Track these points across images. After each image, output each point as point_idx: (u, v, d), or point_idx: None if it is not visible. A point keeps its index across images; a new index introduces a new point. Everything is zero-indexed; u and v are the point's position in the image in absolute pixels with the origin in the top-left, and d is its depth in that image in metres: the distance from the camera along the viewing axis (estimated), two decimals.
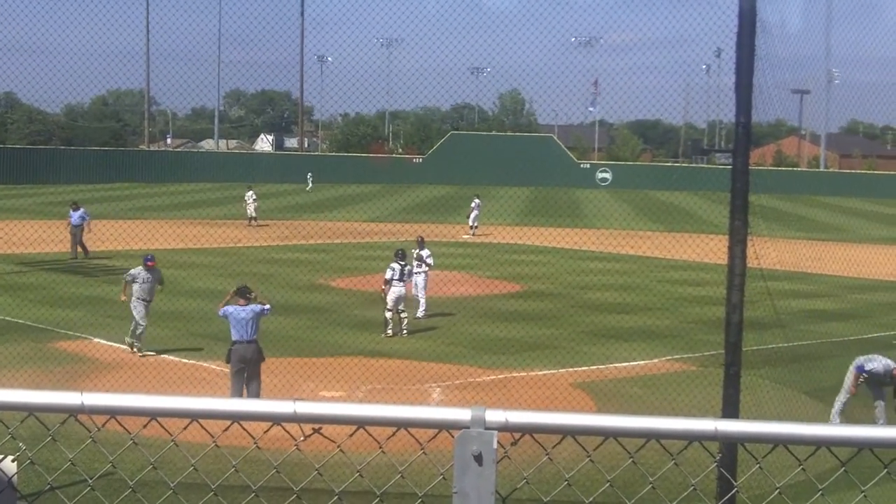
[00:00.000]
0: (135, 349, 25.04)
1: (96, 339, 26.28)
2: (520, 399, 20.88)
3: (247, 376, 20.01)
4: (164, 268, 39.27)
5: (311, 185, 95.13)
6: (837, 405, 20.26)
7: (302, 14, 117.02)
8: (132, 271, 26.10)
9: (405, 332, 27.91)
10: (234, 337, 20.13)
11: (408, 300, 29.08)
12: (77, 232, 43.15)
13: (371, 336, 27.44)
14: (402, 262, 28.56)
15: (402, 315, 28.18)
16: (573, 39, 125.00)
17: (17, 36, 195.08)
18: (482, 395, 21.41)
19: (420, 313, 30.40)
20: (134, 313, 25.14)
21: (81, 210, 43.58)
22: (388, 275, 28.14)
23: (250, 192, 60.48)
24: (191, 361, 24.13)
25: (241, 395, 19.35)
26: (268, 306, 20.82)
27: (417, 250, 31.34)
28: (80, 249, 43.15)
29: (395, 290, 27.98)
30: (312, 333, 25.93)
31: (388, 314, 27.95)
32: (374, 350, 25.57)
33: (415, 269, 30.32)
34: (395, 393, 21.43)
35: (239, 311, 20.22)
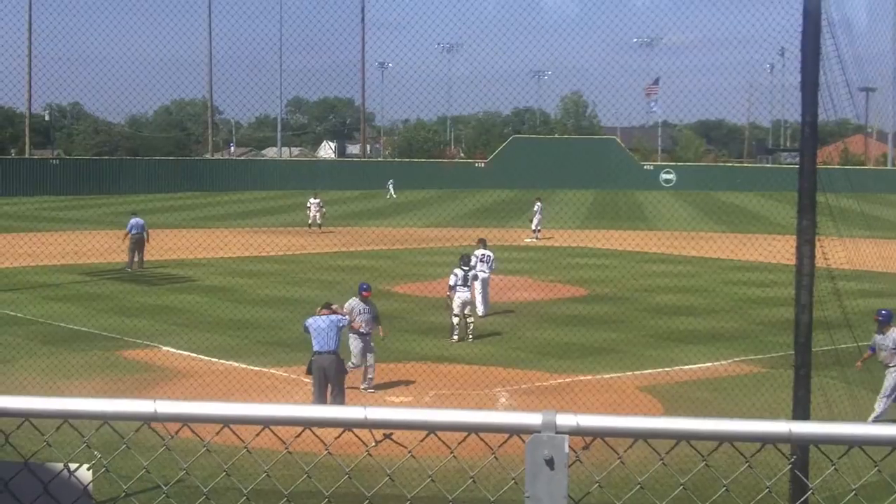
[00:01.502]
0: (363, 387, 22.48)
1: (164, 348, 26.50)
2: (586, 403, 20.80)
3: (329, 388, 19.98)
4: (231, 276, 39.78)
5: (392, 192, 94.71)
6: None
7: (363, 20, 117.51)
8: (349, 304, 22.70)
9: (471, 337, 27.92)
10: (315, 347, 20.09)
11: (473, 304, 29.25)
12: (136, 241, 43.18)
13: (436, 341, 27.46)
14: (466, 268, 28.60)
15: (469, 320, 28.21)
16: (634, 40, 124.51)
17: (82, 47, 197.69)
18: (548, 400, 21.37)
19: (480, 311, 30.60)
20: (351, 348, 22.43)
21: (138, 219, 43.65)
22: (452, 280, 28.25)
23: (315, 199, 60.75)
24: (257, 368, 24.26)
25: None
26: (346, 317, 20.84)
27: (480, 250, 31.69)
28: (136, 260, 42.85)
29: (461, 296, 28.06)
30: (377, 339, 25.99)
31: (455, 319, 27.99)
32: (439, 355, 25.57)
33: (477, 269, 30.52)
34: (462, 398, 21.44)
35: (319, 321, 20.22)
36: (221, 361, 25.00)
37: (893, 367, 20.40)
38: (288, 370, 23.78)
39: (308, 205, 61.19)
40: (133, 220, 43.20)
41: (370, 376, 22.37)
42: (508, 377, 23.74)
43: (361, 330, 22.28)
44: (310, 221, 60.11)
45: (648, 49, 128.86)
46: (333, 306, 20.74)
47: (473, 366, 24.38)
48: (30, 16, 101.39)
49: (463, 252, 30.78)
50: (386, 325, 23.63)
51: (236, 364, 24.66)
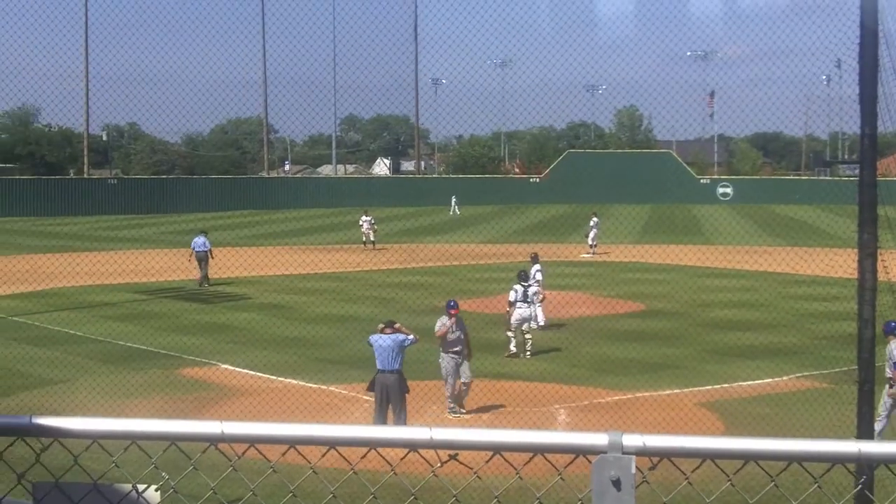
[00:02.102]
0: (452, 412, 21.94)
1: (223, 365, 26.65)
2: (646, 420, 20.67)
3: (391, 407, 19.87)
4: (286, 294, 39.98)
5: (455, 209, 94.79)
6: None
7: (416, 37, 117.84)
8: (440, 321, 22.13)
9: (528, 353, 27.82)
10: (378, 366, 19.96)
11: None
12: (200, 259, 43.76)
13: (493, 358, 27.39)
14: (525, 284, 28.58)
15: (527, 336, 28.15)
16: (689, 53, 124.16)
17: (139, 68, 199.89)
18: (607, 417, 21.25)
19: (535, 325, 30.59)
20: (441, 367, 21.97)
21: (201, 237, 44.20)
22: (512, 297, 28.19)
23: (367, 217, 60.92)
24: (314, 385, 24.32)
25: (382, 425, 18.91)
26: (411, 336, 20.43)
27: (532, 266, 31.97)
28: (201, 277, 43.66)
29: (519, 312, 27.99)
30: (435, 356, 25.98)
31: (510, 334, 27.97)
32: (497, 372, 25.51)
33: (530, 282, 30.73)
34: (521, 416, 21.36)
35: (381, 340, 20.07)
36: (279, 379, 25.07)
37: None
38: (345, 387, 23.85)
39: (360, 222, 61.38)
40: (196, 238, 43.86)
41: (457, 395, 21.79)
42: (567, 394, 23.64)
43: (452, 350, 21.65)
44: (364, 239, 60.28)
45: (703, 62, 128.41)
46: (396, 325, 20.56)
47: (531, 382, 24.28)
48: (86, 37, 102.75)
49: (520, 268, 30.79)
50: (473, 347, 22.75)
51: (294, 381, 24.72)
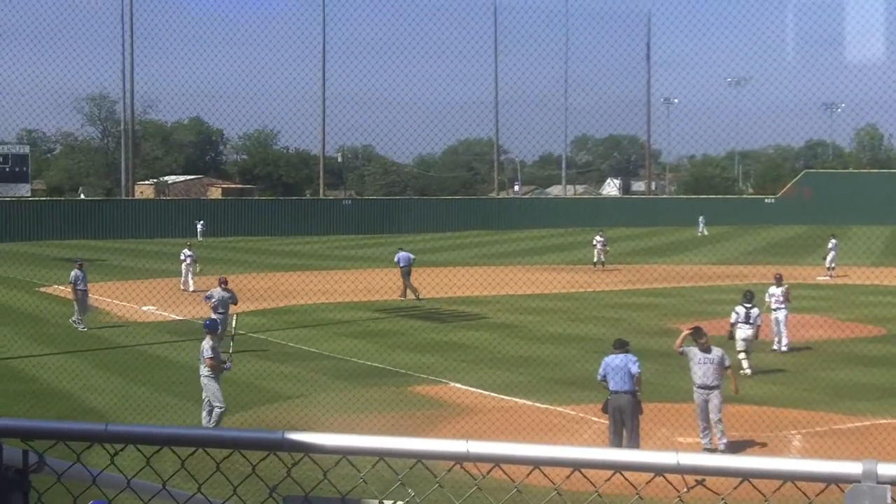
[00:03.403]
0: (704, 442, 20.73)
1: (453, 384, 26.92)
2: (887, 448, 19.92)
3: (625, 428, 19.62)
4: (517, 313, 40.18)
5: (703, 229, 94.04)
6: None
7: (648, 57, 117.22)
8: (690, 351, 20.88)
9: (749, 370, 27.47)
10: (610, 386, 19.64)
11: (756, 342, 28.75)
12: (404, 273, 45.20)
13: (723, 381, 26.88)
14: (749, 305, 28.19)
15: (746, 356, 27.90)
16: None
17: (373, 89, 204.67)
18: (846, 444, 20.58)
19: (775, 346, 30.82)
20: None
21: (406, 253, 45.81)
22: (733, 318, 28.13)
23: (600, 237, 60.69)
24: (544, 406, 24.32)
25: (618, 446, 18.69)
26: (637, 369, 19.53)
27: (774, 287, 32.05)
28: (409, 291, 44.83)
29: (741, 333, 27.84)
30: (665, 378, 25.62)
31: (741, 355, 27.56)
32: (727, 396, 25.01)
33: (772, 306, 31.28)
34: (757, 440, 20.90)
35: (613, 360, 19.70)
36: (509, 398, 25.17)
37: None
38: (575, 408, 23.77)
39: (594, 242, 61.22)
40: (399, 254, 46.12)
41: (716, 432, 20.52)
42: (801, 419, 23.00)
43: (704, 381, 20.41)
44: (595, 259, 60.11)
45: None
46: (627, 346, 20.30)
47: (764, 407, 23.72)
48: (323, 61, 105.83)
49: (747, 288, 30.38)
50: (735, 378, 21.74)
51: (523, 401, 24.76)
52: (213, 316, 29.32)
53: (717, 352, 20.46)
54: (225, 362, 22.26)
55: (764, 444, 20.78)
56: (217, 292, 32.04)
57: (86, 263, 39.52)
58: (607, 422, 20.03)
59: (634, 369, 19.66)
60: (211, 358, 21.77)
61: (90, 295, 38.99)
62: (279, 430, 3.24)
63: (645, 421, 21.57)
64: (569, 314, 39.82)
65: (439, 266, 46.99)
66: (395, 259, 46.36)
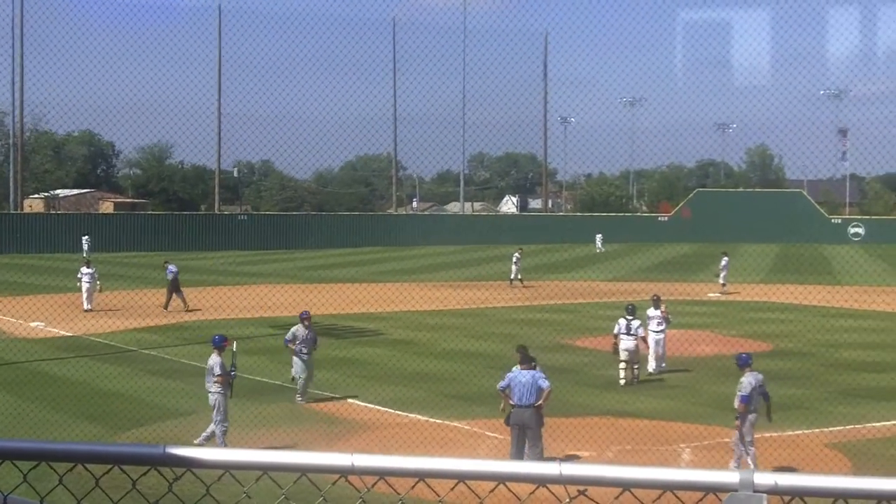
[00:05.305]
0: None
1: (351, 400, 26.83)
2: (772, 459, 20.29)
3: (527, 441, 19.80)
4: (415, 330, 40.18)
5: (600, 245, 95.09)
6: None
7: (545, 76, 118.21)
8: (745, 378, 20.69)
9: (636, 381, 28.96)
10: (513, 400, 19.87)
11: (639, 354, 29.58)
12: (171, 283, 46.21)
13: (616, 396, 27.23)
14: (630, 317, 29.31)
15: (635, 367, 29.19)
16: (822, 92, 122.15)
17: (270, 105, 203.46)
18: (731, 457, 20.88)
19: (651, 368, 30.74)
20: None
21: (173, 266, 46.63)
22: (615, 329, 29.35)
23: (517, 255, 60.03)
24: (440, 421, 24.33)
25: (519, 459, 18.81)
26: (547, 384, 19.96)
27: (652, 309, 31.58)
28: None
29: (624, 344, 28.96)
30: (558, 393, 25.83)
31: (621, 365, 29.02)
32: (620, 410, 25.32)
33: (653, 328, 30.86)
34: (645, 453, 21.15)
35: (521, 376, 19.97)
36: (405, 414, 25.16)
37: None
38: (471, 423, 23.84)
39: (513, 259, 60.22)
40: (170, 266, 47.48)
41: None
42: (691, 433, 23.33)
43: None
44: (511, 277, 59.50)
45: (836, 101, 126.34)
46: (534, 363, 20.47)
47: (654, 420, 24.10)
48: (219, 76, 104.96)
49: (630, 303, 31.07)
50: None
51: (420, 417, 24.79)
52: (295, 358, 26.87)
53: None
54: (231, 372, 22.17)
55: (653, 458, 21.01)
56: (300, 331, 27.23)
57: None
58: (502, 436, 20.18)
59: (545, 385, 19.96)
60: (220, 375, 21.73)
61: None
62: (160, 445, 3.20)
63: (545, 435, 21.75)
64: (466, 330, 39.91)
65: (337, 282, 46.81)
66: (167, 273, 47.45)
